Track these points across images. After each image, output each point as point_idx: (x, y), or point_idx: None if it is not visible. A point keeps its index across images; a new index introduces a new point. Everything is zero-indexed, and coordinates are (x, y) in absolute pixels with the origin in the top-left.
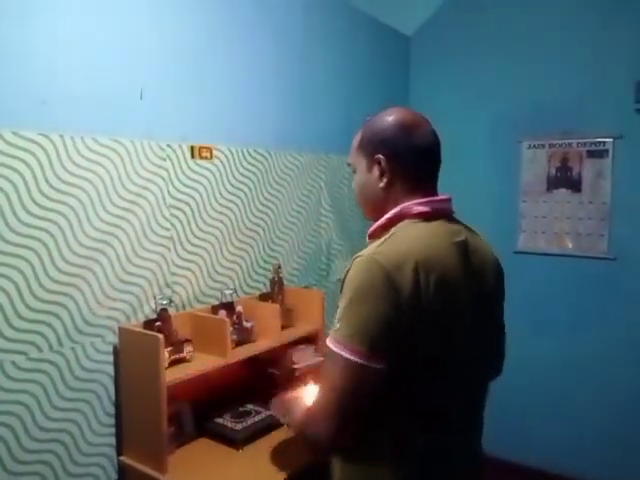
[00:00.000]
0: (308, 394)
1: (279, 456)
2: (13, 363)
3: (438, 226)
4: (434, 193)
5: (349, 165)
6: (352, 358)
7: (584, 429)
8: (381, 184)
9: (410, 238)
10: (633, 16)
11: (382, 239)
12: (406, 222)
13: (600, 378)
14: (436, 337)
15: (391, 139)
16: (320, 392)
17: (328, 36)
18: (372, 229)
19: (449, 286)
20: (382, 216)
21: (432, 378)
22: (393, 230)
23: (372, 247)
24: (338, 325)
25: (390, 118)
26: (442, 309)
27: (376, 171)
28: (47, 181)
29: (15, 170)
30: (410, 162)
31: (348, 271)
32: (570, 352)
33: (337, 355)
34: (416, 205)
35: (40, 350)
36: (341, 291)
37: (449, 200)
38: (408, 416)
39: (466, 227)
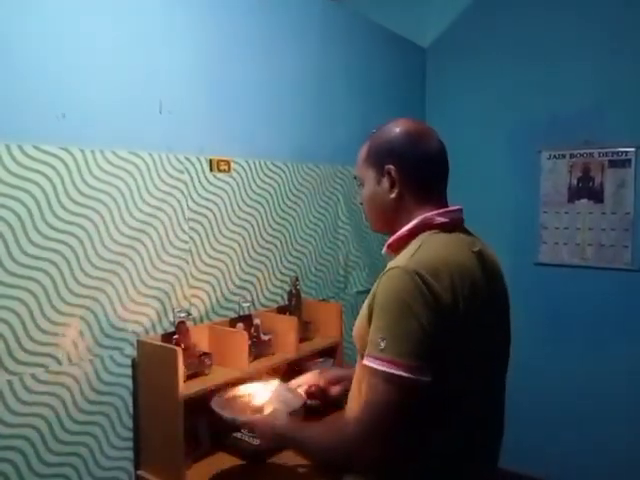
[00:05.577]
0: (257, 393)
1: (298, 471)
2: (33, 376)
3: (458, 236)
4: (444, 202)
5: (355, 178)
6: (408, 376)
7: (602, 446)
8: (392, 195)
9: (440, 248)
10: None
11: (412, 250)
12: (427, 233)
13: (621, 394)
14: (471, 342)
15: (399, 149)
16: (369, 412)
17: (345, 49)
18: (392, 240)
19: (478, 293)
20: (394, 227)
21: (465, 384)
22: (419, 241)
23: (404, 258)
24: (384, 345)
25: (397, 129)
26: (476, 315)
27: (386, 182)
28: (68, 195)
29: (36, 184)
30: (420, 171)
31: (380, 283)
32: (591, 366)
33: (391, 375)
34: (437, 216)
35: (60, 363)
36: (372, 302)
37: (461, 210)
38: (440, 429)
39: (476, 236)
